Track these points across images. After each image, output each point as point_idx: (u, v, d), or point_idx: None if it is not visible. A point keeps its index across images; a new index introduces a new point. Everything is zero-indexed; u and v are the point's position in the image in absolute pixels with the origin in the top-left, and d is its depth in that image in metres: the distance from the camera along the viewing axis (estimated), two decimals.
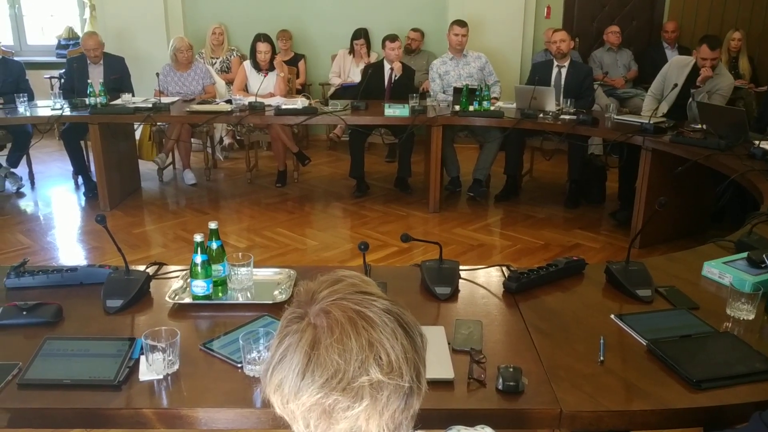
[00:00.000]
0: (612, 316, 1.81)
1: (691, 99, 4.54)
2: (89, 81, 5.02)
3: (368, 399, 0.81)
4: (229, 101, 5.07)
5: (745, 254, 2.10)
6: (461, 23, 5.34)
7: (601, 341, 1.65)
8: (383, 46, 5.38)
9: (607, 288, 2.01)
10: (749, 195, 3.38)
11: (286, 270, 2.05)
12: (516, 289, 1.95)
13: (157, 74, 5.38)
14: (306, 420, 0.83)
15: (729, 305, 1.83)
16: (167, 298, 1.88)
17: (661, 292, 1.96)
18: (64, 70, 5.96)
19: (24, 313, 1.76)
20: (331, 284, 0.88)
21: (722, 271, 2.04)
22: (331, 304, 0.85)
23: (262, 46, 5.37)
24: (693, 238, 3.99)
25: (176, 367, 1.54)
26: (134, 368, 1.55)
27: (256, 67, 5.46)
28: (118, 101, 5.04)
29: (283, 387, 0.83)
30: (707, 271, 2.08)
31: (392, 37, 5.41)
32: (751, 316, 1.80)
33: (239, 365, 1.55)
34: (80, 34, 7.32)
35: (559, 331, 1.74)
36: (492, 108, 4.86)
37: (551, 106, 4.72)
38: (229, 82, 6.16)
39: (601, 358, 1.60)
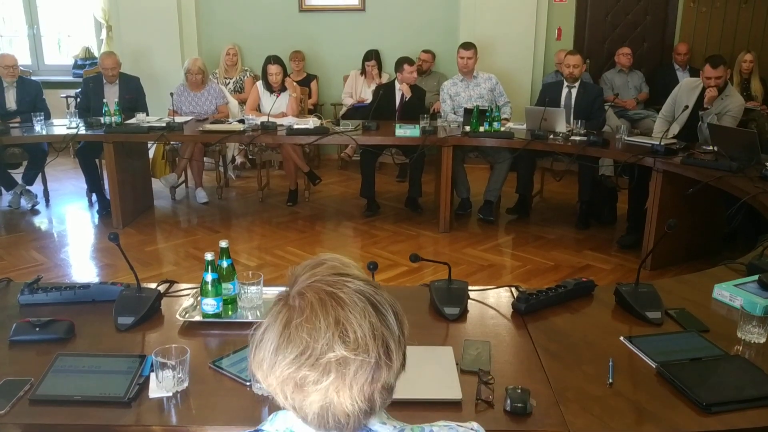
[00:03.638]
0: (621, 338, 1.81)
1: (700, 121, 4.54)
2: (104, 100, 5.10)
3: (335, 373, 0.88)
4: (241, 121, 5.11)
5: (756, 277, 2.09)
6: (467, 46, 5.37)
7: (611, 363, 1.64)
8: (400, 69, 5.41)
9: (616, 310, 2.01)
10: (762, 217, 3.36)
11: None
12: (525, 309, 1.95)
13: (171, 94, 5.45)
14: (284, 392, 0.91)
15: (740, 328, 1.82)
16: (178, 316, 1.89)
17: (671, 314, 1.95)
18: (80, 90, 6.05)
19: (37, 329, 1.78)
20: (312, 267, 0.96)
21: (733, 293, 2.03)
22: (306, 287, 0.93)
23: (273, 68, 5.43)
24: (704, 260, 3.97)
25: (186, 384, 1.55)
26: (144, 385, 1.56)
27: (269, 88, 5.52)
28: (132, 120, 5.11)
29: (263, 363, 0.91)
30: (718, 293, 2.07)
31: (411, 61, 5.45)
32: (762, 339, 1.79)
33: (248, 383, 1.56)
34: (96, 54, 7.44)
35: (568, 353, 1.74)
36: (502, 129, 4.87)
37: (561, 127, 4.73)
38: (242, 102, 6.22)
39: (611, 380, 1.59)
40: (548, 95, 5.07)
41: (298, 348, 0.88)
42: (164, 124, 4.92)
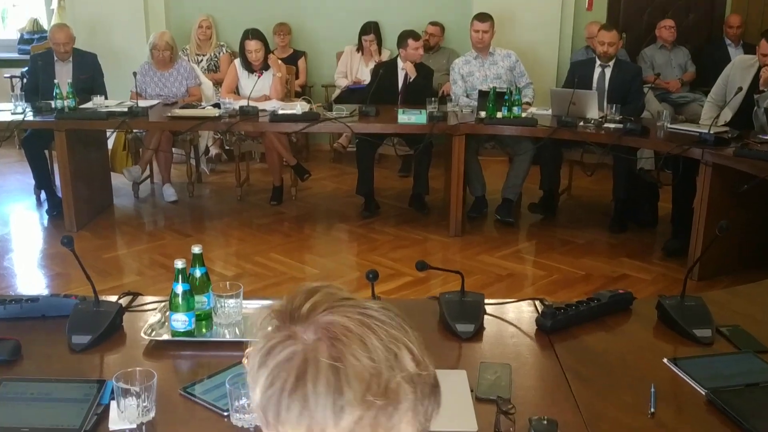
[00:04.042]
0: (665, 360, 1.80)
1: (756, 106, 4.54)
2: (56, 81, 5.09)
3: (411, 395, 0.86)
4: (216, 105, 5.12)
5: None
6: (482, 17, 5.38)
7: (652, 390, 1.64)
8: (404, 45, 5.41)
9: (659, 327, 2.01)
10: None
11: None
12: (551, 327, 1.94)
13: (134, 73, 5.45)
14: None
15: None
16: (143, 334, 1.89)
17: (723, 332, 1.95)
18: (26, 69, 6.04)
19: None
20: (306, 297, 0.91)
21: None
22: (325, 315, 0.88)
23: (252, 44, 5.42)
24: (762, 269, 3.96)
25: (152, 414, 1.55)
26: (103, 415, 1.55)
27: (248, 68, 5.52)
28: (88, 104, 5.11)
29: (317, 419, 0.84)
30: None
31: (416, 36, 5.45)
32: None
33: (225, 413, 1.56)
34: (46, 27, 7.45)
35: (602, 378, 1.73)
36: (524, 115, 4.87)
37: (593, 112, 4.74)
38: (218, 83, 6.22)
39: (652, 409, 1.59)
40: (578, 75, 5.07)
41: (364, 378, 0.83)
42: (126, 109, 4.91)
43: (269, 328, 0.90)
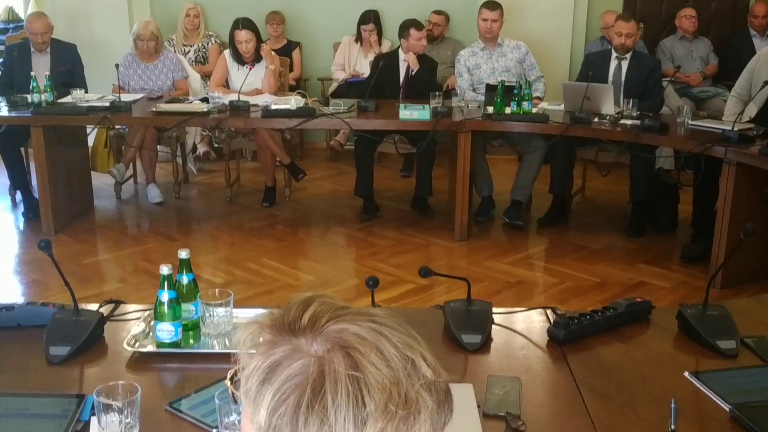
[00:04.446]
0: (686, 373, 1.80)
1: None
2: (33, 73, 5.09)
3: (431, 403, 0.86)
4: (205, 99, 5.12)
5: None
6: (491, 5, 5.39)
7: (672, 405, 1.64)
8: (405, 35, 5.42)
9: (679, 338, 2.01)
10: None
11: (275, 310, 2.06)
12: (564, 338, 1.94)
13: (117, 66, 5.45)
14: None
15: None
16: (125, 345, 1.89)
17: (748, 343, 1.94)
18: (1, 60, 6.05)
19: None
20: (303, 308, 0.91)
21: None
22: (332, 324, 0.88)
23: (243, 35, 5.42)
24: None
25: (136, 431, 1.55)
26: None
27: (239, 59, 5.52)
28: (67, 99, 5.11)
29: None
30: None
31: (419, 25, 5.45)
32: None
33: (214, 430, 1.56)
34: (22, 16, 7.45)
35: (619, 393, 1.73)
36: (534, 110, 4.88)
37: (609, 107, 4.74)
38: (206, 76, 6.23)
39: (672, 426, 1.59)
40: (592, 68, 5.07)
41: (384, 388, 0.84)
42: (107, 104, 4.92)
43: (261, 344, 0.90)
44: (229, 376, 1.01)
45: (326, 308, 0.91)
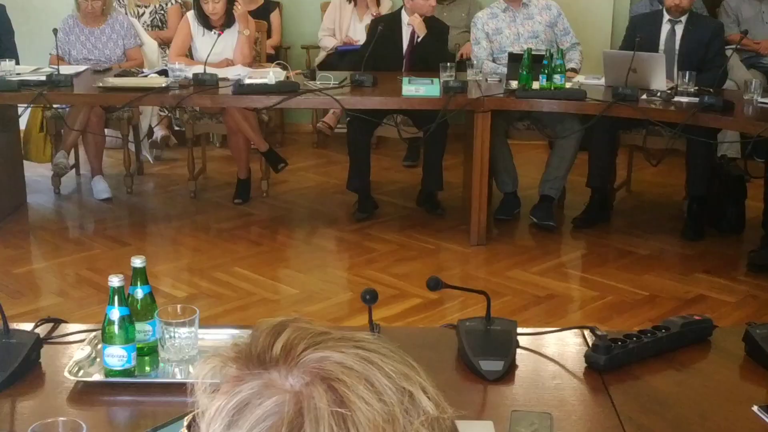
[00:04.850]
0: (755, 408, 1.80)
1: None
2: None
3: None
4: (163, 72, 5.12)
5: None
6: None
7: None
8: None
9: (747, 364, 2.01)
10: None
11: (249, 332, 2.05)
12: (605, 364, 1.94)
13: (55, 31, 5.44)
14: None
15: None
16: (67, 374, 1.88)
17: None
18: None
19: None
20: (273, 335, 0.91)
21: None
22: (310, 353, 0.88)
23: None
24: None
25: None
26: None
27: (205, 23, 5.52)
28: None
29: None
30: None
31: None
32: None
33: None
34: None
35: (673, 431, 1.73)
36: (568, 85, 4.88)
37: (660, 82, 4.74)
38: (165, 43, 6.22)
39: None
40: (640, 33, 5.06)
41: (376, 425, 0.84)
42: (44, 78, 4.91)
43: (225, 381, 0.89)
44: (185, 423, 1.00)
45: (302, 334, 0.91)
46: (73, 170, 5.96)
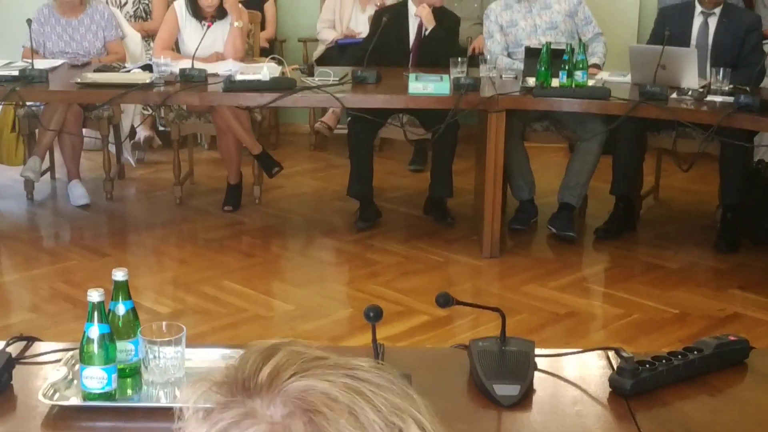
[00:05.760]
0: None
1: None
2: None
3: None
4: (147, 67, 5.13)
5: None
6: None
7: None
8: None
9: None
10: None
11: (241, 352, 2.05)
12: (632, 389, 1.94)
13: (29, 21, 5.45)
14: None
15: None
16: (41, 397, 1.88)
17: None
18: None
19: None
20: (263, 359, 0.91)
21: None
22: (295, 381, 0.88)
23: None
24: None
25: None
26: None
27: (196, 13, 5.52)
28: None
29: None
30: None
31: None
32: None
33: None
34: None
35: None
36: (590, 82, 4.88)
37: (692, 79, 4.74)
38: (149, 36, 6.23)
39: None
40: (669, 26, 5.07)
41: None
42: (16, 73, 4.92)
43: (209, 407, 0.90)
44: None
45: (293, 359, 0.91)
46: (48, 174, 5.97)
